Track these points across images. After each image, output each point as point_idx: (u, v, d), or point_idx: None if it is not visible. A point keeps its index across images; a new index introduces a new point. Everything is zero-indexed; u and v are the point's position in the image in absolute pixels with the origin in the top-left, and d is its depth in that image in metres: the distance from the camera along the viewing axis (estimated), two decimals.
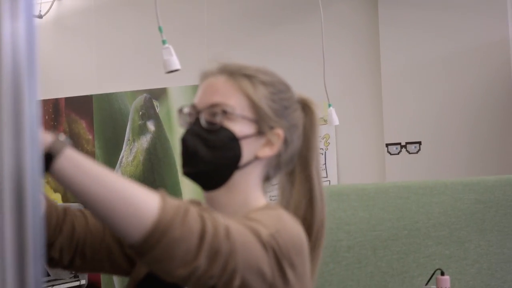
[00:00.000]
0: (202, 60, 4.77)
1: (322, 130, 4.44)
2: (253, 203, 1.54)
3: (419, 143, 4.21)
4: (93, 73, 5.00)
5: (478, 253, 2.96)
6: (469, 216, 3.00)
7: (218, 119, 1.48)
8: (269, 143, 1.54)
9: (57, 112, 5.03)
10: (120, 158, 4.84)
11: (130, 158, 4.81)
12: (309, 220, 1.60)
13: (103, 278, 4.83)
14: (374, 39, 4.30)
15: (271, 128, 1.53)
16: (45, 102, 5.01)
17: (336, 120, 3.73)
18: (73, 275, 4.47)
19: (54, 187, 4.99)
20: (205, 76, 1.58)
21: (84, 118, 4.96)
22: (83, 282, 4.51)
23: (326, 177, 4.45)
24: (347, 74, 4.42)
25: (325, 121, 4.36)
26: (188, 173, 1.50)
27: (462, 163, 4.03)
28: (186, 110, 1.54)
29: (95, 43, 5.02)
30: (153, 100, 4.77)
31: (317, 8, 3.84)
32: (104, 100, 4.91)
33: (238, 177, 1.52)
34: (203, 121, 1.49)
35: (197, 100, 1.54)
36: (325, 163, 4.44)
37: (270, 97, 1.55)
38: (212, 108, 1.49)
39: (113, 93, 4.88)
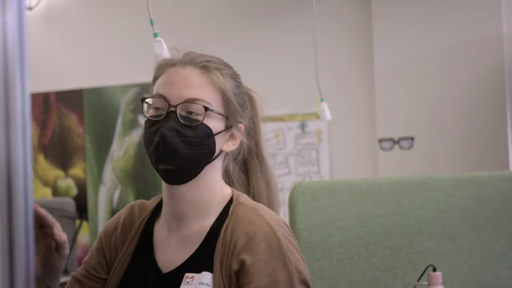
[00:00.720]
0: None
1: (314, 125, 4.43)
2: (219, 194, 1.55)
3: (412, 138, 4.21)
4: (84, 66, 4.98)
5: (470, 249, 2.95)
6: (461, 212, 3.00)
7: (197, 115, 1.47)
8: (232, 137, 1.55)
9: (47, 106, 5.00)
10: (111, 153, 4.82)
11: (121, 153, 4.79)
12: (269, 202, 1.65)
13: None
14: (367, 34, 4.30)
15: (237, 122, 1.56)
16: (35, 96, 4.98)
17: (328, 115, 3.72)
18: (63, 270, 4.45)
19: (44, 181, 4.96)
20: (170, 64, 1.54)
21: (74, 112, 4.94)
22: None
23: (319, 172, 4.44)
24: (339, 69, 4.42)
25: (318, 116, 4.35)
26: (164, 170, 1.49)
27: (455, 159, 4.03)
28: (154, 101, 1.52)
29: (86, 36, 5.00)
30: (145, 94, 4.75)
31: (310, 3, 3.83)
32: (95, 94, 4.88)
33: (205, 171, 1.52)
34: (180, 116, 1.47)
35: (166, 91, 1.50)
36: (318, 159, 4.44)
37: (236, 91, 1.58)
38: (189, 103, 1.47)
39: (104, 87, 4.86)
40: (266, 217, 1.47)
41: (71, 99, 4.95)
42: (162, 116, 1.48)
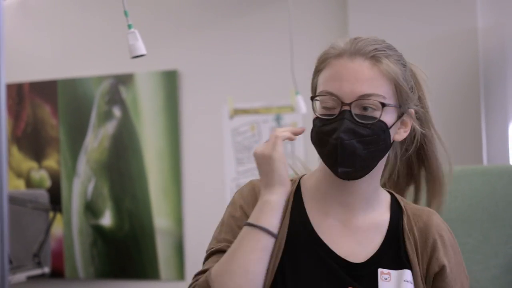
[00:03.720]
0: (169, 45, 4.74)
1: (289, 118, 4.43)
2: (379, 190, 1.54)
3: None
4: (58, 57, 4.93)
5: None
6: None
7: (373, 112, 1.41)
8: (403, 124, 1.49)
9: (20, 97, 4.96)
10: (85, 144, 4.78)
11: (96, 144, 4.76)
12: (435, 196, 1.64)
13: (67, 265, 4.79)
14: (343, 27, 4.30)
15: (408, 108, 1.49)
16: (9, 87, 4.93)
17: (303, 109, 3.72)
18: (36, 262, 4.42)
19: (17, 173, 4.92)
20: (335, 56, 1.47)
21: (48, 103, 4.90)
22: (46, 270, 4.46)
23: (293, 164, 4.44)
24: (315, 62, 4.41)
25: (293, 109, 4.35)
26: (344, 172, 1.43)
27: None
28: (324, 99, 1.44)
29: (60, 27, 4.95)
30: (120, 86, 4.72)
31: None
32: (69, 85, 4.84)
33: (379, 164, 1.49)
34: (354, 115, 1.41)
35: (337, 88, 1.42)
36: (293, 151, 4.44)
37: (405, 76, 1.48)
38: (363, 100, 1.40)
39: (78, 78, 4.82)
40: (445, 223, 1.56)
41: (45, 90, 4.91)
42: (335, 115, 1.42)
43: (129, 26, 2.23)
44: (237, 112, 4.51)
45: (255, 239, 1.40)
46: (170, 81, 4.63)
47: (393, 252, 1.46)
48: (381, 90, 1.42)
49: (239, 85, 4.53)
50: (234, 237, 1.48)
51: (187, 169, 4.63)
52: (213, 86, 4.59)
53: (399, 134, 1.49)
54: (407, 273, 1.43)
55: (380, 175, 1.53)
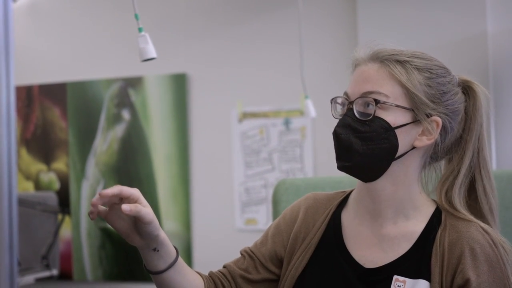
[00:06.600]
0: (178, 48, 4.74)
1: (299, 122, 4.43)
2: (419, 199, 1.51)
3: None
4: (68, 60, 4.94)
5: None
6: None
7: (371, 109, 1.44)
8: (426, 131, 1.48)
9: (30, 99, 4.97)
10: (94, 147, 4.79)
11: (105, 147, 4.76)
12: (487, 215, 1.51)
13: (75, 268, 4.79)
14: (353, 32, 4.30)
15: (428, 115, 1.47)
16: (18, 89, 4.95)
17: (313, 113, 3.72)
18: (45, 264, 4.43)
19: (26, 175, 4.93)
20: (357, 63, 1.54)
21: (58, 106, 4.91)
22: (54, 272, 4.47)
23: (302, 169, 4.44)
24: (324, 67, 4.41)
25: (302, 113, 4.35)
26: (342, 167, 1.48)
27: None
28: (339, 100, 1.52)
29: (70, 29, 4.96)
30: (129, 89, 4.72)
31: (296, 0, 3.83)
32: (78, 88, 4.85)
33: (396, 168, 1.47)
34: (356, 111, 1.46)
35: (349, 89, 1.50)
36: (301, 155, 4.44)
37: (426, 83, 1.49)
38: (364, 97, 1.45)
39: (87, 81, 4.83)
40: (491, 236, 1.43)
41: (55, 92, 4.92)
42: (344, 114, 1.49)
43: (140, 30, 2.23)
44: (246, 115, 4.51)
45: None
46: (179, 84, 4.63)
47: (415, 261, 1.45)
48: (385, 89, 1.46)
49: (248, 89, 4.53)
50: (263, 242, 1.64)
51: (196, 172, 4.64)
52: (222, 89, 4.59)
53: (420, 141, 1.48)
54: (422, 283, 1.42)
55: (411, 183, 1.50)
